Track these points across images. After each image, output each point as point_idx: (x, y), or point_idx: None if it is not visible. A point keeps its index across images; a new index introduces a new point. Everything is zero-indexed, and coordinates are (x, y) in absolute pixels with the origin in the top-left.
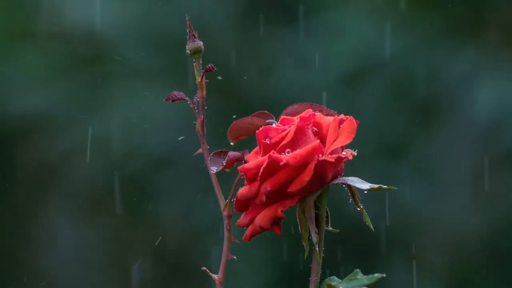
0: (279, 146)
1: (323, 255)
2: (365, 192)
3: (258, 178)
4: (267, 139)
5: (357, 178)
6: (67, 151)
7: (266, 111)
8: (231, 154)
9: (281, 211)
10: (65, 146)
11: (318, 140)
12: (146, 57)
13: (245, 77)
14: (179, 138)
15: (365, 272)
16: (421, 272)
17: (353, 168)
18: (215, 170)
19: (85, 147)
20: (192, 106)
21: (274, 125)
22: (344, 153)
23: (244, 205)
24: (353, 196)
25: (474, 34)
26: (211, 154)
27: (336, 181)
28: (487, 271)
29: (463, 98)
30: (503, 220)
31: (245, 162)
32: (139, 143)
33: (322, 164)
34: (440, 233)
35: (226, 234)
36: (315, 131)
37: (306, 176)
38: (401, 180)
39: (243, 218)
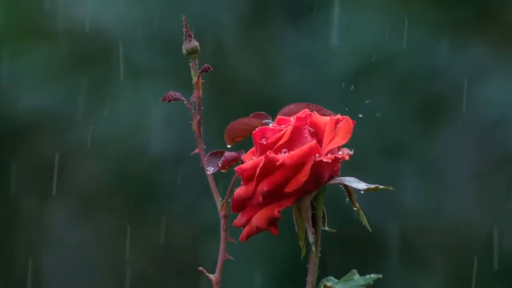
0: (276, 147)
1: (320, 255)
2: (362, 192)
3: (255, 179)
4: (263, 139)
5: (354, 178)
6: (70, 149)
7: (262, 112)
8: (228, 154)
9: (278, 211)
10: (68, 144)
11: (315, 140)
12: (150, 56)
13: (247, 76)
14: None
15: (364, 273)
16: (422, 272)
17: (354, 166)
18: (211, 171)
19: (88, 145)
20: (188, 106)
21: (270, 125)
22: (340, 153)
23: (240, 205)
24: (350, 196)
25: (480, 32)
26: (208, 155)
27: (332, 181)
28: (489, 270)
29: (467, 97)
30: (506, 220)
31: (242, 162)
32: (142, 143)
33: (318, 165)
34: (443, 233)
35: (222, 234)
36: (312, 131)
37: (303, 176)
38: (403, 179)
39: (239, 219)
